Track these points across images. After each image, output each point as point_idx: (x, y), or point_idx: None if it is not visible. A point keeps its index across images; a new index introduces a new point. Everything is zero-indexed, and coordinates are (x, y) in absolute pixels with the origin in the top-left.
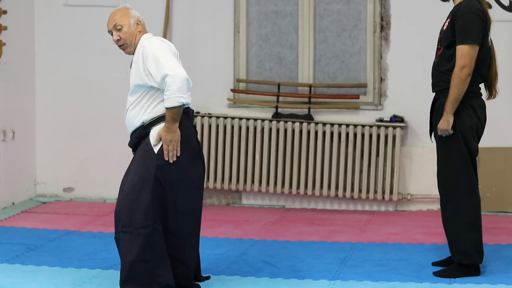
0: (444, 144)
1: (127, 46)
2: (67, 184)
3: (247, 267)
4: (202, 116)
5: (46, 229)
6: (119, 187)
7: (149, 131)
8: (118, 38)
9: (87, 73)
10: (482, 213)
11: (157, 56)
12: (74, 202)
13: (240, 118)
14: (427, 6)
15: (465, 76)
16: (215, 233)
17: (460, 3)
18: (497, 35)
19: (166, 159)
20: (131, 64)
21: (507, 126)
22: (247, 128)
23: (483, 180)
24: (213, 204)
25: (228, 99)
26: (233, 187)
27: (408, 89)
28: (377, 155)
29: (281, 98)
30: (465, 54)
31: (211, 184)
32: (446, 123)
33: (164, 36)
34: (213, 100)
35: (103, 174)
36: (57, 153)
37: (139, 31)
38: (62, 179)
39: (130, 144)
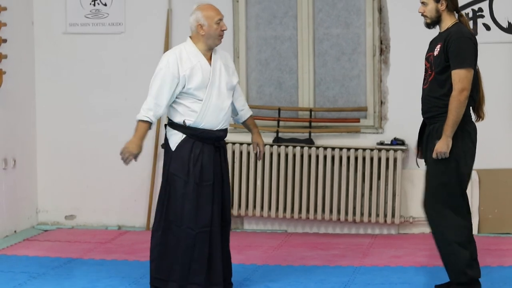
0: (438, 169)
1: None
2: (68, 212)
3: None
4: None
5: (48, 257)
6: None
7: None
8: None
9: (87, 101)
10: (484, 235)
11: None
12: (76, 230)
13: (241, 143)
14: (426, 29)
15: (464, 99)
16: None
17: (449, 28)
18: (496, 57)
19: None
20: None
21: (508, 147)
22: (248, 153)
23: (484, 202)
24: None
25: (229, 125)
26: (235, 212)
27: (409, 112)
28: (379, 178)
29: (281, 123)
30: (463, 78)
31: None
32: (445, 146)
33: None
34: None
35: (105, 201)
36: (58, 181)
37: None
38: (64, 207)
39: (220, 137)
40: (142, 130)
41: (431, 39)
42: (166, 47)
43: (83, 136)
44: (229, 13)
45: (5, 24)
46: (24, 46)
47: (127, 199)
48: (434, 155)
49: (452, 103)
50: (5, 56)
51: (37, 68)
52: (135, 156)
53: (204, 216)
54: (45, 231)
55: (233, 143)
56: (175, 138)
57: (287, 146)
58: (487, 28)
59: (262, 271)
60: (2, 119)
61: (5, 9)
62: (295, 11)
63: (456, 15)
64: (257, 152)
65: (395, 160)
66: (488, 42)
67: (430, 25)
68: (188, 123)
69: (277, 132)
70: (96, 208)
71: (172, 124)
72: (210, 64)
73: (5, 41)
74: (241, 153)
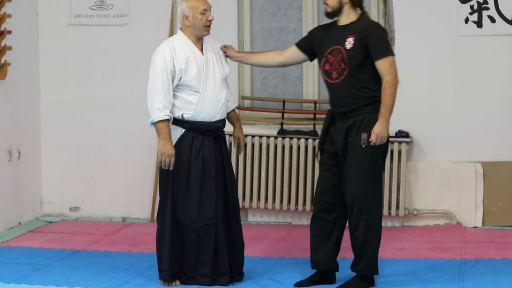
0: (369, 156)
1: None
2: (73, 204)
3: (254, 284)
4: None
5: (52, 248)
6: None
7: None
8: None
9: (92, 92)
10: (488, 227)
11: None
12: (80, 221)
13: (245, 135)
14: (430, 21)
15: (397, 84)
16: None
17: (355, 22)
18: (501, 49)
19: None
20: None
21: (511, 140)
22: (253, 145)
23: (489, 195)
24: None
25: None
26: (240, 204)
27: (413, 104)
28: (383, 170)
29: (286, 115)
30: (393, 64)
31: None
32: (386, 130)
33: None
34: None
35: (109, 193)
36: (63, 173)
37: None
38: (68, 199)
39: (219, 128)
40: (166, 130)
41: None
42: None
43: (87, 128)
44: (233, 4)
45: (9, 16)
46: (28, 38)
47: (131, 190)
48: (374, 140)
49: (388, 88)
50: (10, 48)
51: (42, 60)
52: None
53: (208, 209)
54: (50, 222)
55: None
56: (175, 133)
57: (291, 138)
58: (492, 20)
59: (266, 263)
60: (7, 110)
61: (9, 0)
62: (299, 2)
63: (359, 11)
64: (238, 147)
65: (399, 152)
66: (493, 34)
67: (330, 14)
68: (186, 116)
69: (282, 124)
70: (100, 200)
71: (173, 120)
72: (203, 54)
73: (9, 32)
74: (245, 145)
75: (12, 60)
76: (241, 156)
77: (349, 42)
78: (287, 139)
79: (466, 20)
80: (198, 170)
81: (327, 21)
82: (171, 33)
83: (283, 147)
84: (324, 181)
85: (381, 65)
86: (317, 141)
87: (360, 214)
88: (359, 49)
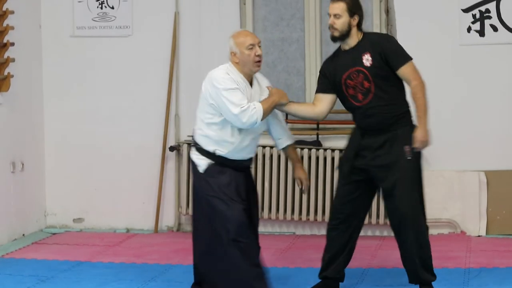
0: (412, 165)
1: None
2: (77, 215)
3: None
4: None
5: (56, 260)
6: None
7: None
8: (261, 53)
9: (95, 103)
10: (492, 235)
11: None
12: (84, 233)
13: None
14: (433, 30)
15: (425, 86)
16: None
17: (362, 40)
18: (503, 58)
19: None
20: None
21: None
22: (256, 155)
23: (492, 203)
24: None
25: None
26: None
27: (414, 114)
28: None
29: (289, 125)
30: (414, 67)
31: None
32: (427, 134)
33: (172, 65)
34: None
35: (113, 204)
36: (67, 184)
37: None
38: (72, 210)
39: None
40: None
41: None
42: (173, 50)
43: (91, 139)
44: (236, 15)
45: (12, 28)
46: (31, 50)
47: (135, 202)
48: (419, 145)
49: (418, 92)
50: (13, 60)
51: (45, 71)
52: None
53: (245, 229)
54: (54, 234)
55: None
56: (203, 163)
57: (294, 148)
58: (494, 29)
59: (270, 273)
60: (10, 122)
61: (12, 12)
62: (302, 13)
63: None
64: (301, 188)
65: None
66: (495, 43)
67: (337, 38)
68: (218, 153)
69: None
70: (104, 211)
71: (200, 150)
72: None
73: (13, 44)
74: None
75: (15, 72)
76: None
77: (367, 59)
78: None
79: (469, 29)
80: (233, 195)
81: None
82: (174, 44)
83: (286, 157)
84: (347, 193)
85: (405, 71)
86: (321, 151)
87: (413, 226)
88: (380, 63)
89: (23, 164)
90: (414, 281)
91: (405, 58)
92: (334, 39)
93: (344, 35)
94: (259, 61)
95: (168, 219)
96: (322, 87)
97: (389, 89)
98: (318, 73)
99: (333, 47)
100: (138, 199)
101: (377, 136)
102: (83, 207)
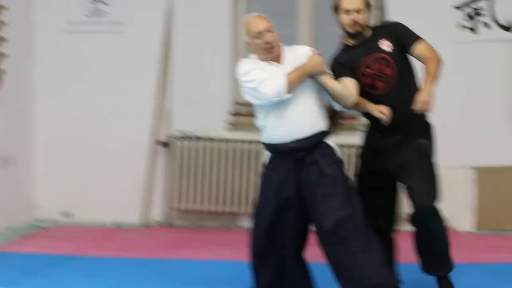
0: (429, 160)
1: (276, 50)
2: (65, 209)
3: None
4: (202, 140)
5: (44, 254)
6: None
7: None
8: (273, 39)
9: (86, 99)
10: (482, 231)
11: None
12: (72, 227)
13: (240, 142)
14: (426, 27)
15: (441, 61)
16: (214, 256)
17: (374, 29)
18: (495, 55)
19: None
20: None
21: (505, 145)
22: (248, 151)
23: (482, 199)
24: (213, 227)
25: (228, 123)
26: (235, 209)
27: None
28: None
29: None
30: (429, 45)
31: (210, 207)
32: (430, 96)
33: (164, 61)
34: (213, 124)
35: (102, 198)
36: (55, 178)
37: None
38: (60, 204)
39: (296, 150)
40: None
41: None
42: (166, 46)
43: (81, 133)
44: (229, 11)
45: (4, 23)
46: (23, 45)
47: (124, 196)
48: (420, 106)
49: (432, 62)
50: (5, 55)
51: (37, 67)
52: None
53: (277, 239)
54: (42, 227)
55: (232, 141)
56: (264, 158)
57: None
58: (488, 26)
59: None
60: (1, 117)
61: (4, 7)
62: (295, 9)
63: None
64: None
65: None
66: (488, 40)
67: (356, 34)
68: (264, 140)
69: None
70: (92, 205)
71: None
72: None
73: (4, 39)
74: (240, 151)
75: (7, 67)
76: (236, 162)
77: (387, 45)
78: None
79: (462, 27)
80: (273, 198)
81: (322, 27)
82: (166, 40)
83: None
84: (377, 207)
85: (421, 47)
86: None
87: (434, 216)
88: (399, 47)
89: (12, 158)
90: (432, 271)
91: (417, 36)
92: (354, 34)
93: (364, 29)
94: (271, 48)
95: (157, 213)
96: (343, 74)
97: (409, 77)
98: (332, 66)
99: (325, 44)
100: (127, 193)
101: (395, 132)
102: (71, 201)
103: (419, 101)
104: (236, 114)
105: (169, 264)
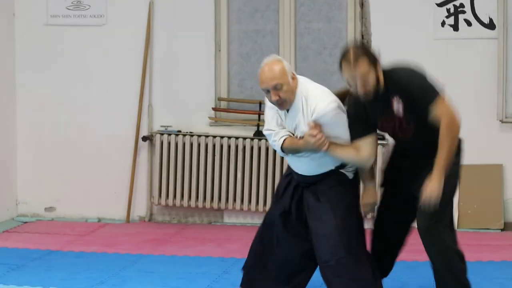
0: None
1: (286, 104)
2: (48, 204)
3: (229, 285)
4: (184, 135)
5: (27, 248)
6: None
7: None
8: (278, 98)
9: (68, 93)
10: (463, 230)
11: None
12: (55, 222)
13: (222, 137)
14: (407, 24)
15: (456, 128)
16: (196, 252)
17: (386, 77)
18: (477, 53)
19: None
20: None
21: (488, 143)
22: (229, 146)
23: (464, 197)
24: (195, 223)
25: (210, 118)
26: (215, 205)
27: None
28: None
29: (262, 117)
30: (444, 103)
31: (192, 203)
32: (439, 187)
33: (145, 55)
34: (195, 119)
35: (85, 194)
36: (38, 173)
37: (295, 84)
38: (44, 199)
39: (299, 181)
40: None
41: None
42: (148, 40)
43: (63, 128)
44: (211, 6)
45: None
46: (5, 38)
47: (107, 191)
48: (427, 198)
49: (446, 133)
50: None
51: (18, 60)
52: None
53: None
54: (25, 223)
55: (214, 136)
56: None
57: (267, 140)
58: (468, 24)
59: (241, 264)
60: None
61: None
62: (277, 5)
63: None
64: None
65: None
66: (469, 38)
67: (370, 95)
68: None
69: (258, 125)
70: (76, 201)
71: None
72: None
73: None
74: (221, 146)
75: None
76: (217, 158)
77: (398, 105)
78: (263, 141)
79: (443, 24)
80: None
81: (304, 23)
82: (148, 31)
83: (259, 148)
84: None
85: (433, 116)
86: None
87: (432, 237)
88: (411, 105)
89: None
90: None
91: (432, 95)
92: (367, 98)
93: (374, 88)
94: (278, 105)
95: (140, 209)
96: (357, 132)
97: (428, 120)
98: (349, 117)
99: (307, 40)
100: (110, 188)
101: (420, 158)
102: (54, 196)
103: (427, 191)
104: (218, 109)
105: (152, 259)
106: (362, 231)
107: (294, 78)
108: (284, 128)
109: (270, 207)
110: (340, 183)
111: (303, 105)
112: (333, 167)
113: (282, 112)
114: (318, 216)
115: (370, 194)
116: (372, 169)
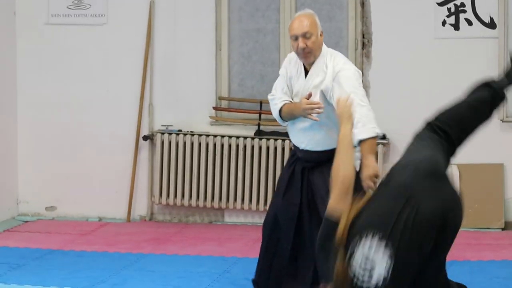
0: None
1: (311, 56)
2: (49, 203)
3: (230, 285)
4: (185, 134)
5: (28, 248)
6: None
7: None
8: (305, 46)
9: (69, 92)
10: (464, 229)
11: (352, 84)
12: (56, 221)
13: (222, 136)
14: (408, 23)
15: None
16: (197, 251)
17: None
18: (478, 52)
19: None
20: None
21: (489, 142)
22: (230, 145)
23: (465, 197)
24: (196, 222)
25: (210, 117)
26: (216, 205)
27: (390, 106)
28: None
29: (263, 116)
30: None
31: (193, 202)
32: None
33: (146, 54)
34: (195, 118)
35: (86, 193)
36: (39, 172)
37: (322, 41)
38: (45, 198)
39: (304, 161)
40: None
41: (413, 34)
42: (148, 39)
43: (64, 127)
44: (211, 5)
45: None
46: (5, 37)
47: (107, 190)
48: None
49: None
50: None
51: (19, 59)
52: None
53: (283, 233)
54: (26, 222)
55: (214, 136)
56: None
57: (268, 139)
58: (469, 23)
59: (242, 263)
60: None
61: None
62: (277, 4)
63: None
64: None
65: (376, 154)
66: (470, 37)
67: None
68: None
69: (259, 125)
70: (76, 200)
71: None
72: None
73: None
74: (222, 145)
75: None
76: (217, 157)
77: None
78: (264, 140)
79: (444, 23)
80: (281, 195)
81: None
82: (149, 30)
83: (260, 148)
84: None
85: None
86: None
87: None
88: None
89: None
90: None
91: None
92: None
93: None
94: (303, 53)
95: (141, 208)
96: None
97: None
98: None
99: None
100: (110, 188)
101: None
102: (55, 196)
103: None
104: (219, 108)
105: (153, 258)
106: None
107: (322, 35)
108: (286, 94)
109: (272, 204)
110: None
111: (328, 61)
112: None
113: (295, 76)
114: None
115: (371, 166)
116: (373, 140)
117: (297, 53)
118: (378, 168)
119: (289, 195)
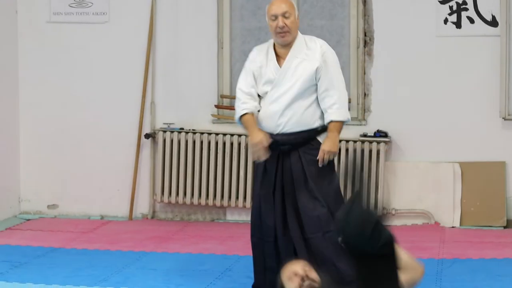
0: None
1: (289, 36)
2: (51, 201)
3: (232, 283)
4: (186, 132)
5: (30, 246)
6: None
7: (317, 137)
8: (284, 24)
9: (71, 90)
10: (466, 227)
11: (337, 67)
12: (58, 219)
13: (224, 134)
14: (410, 21)
15: None
16: (199, 249)
17: None
18: (480, 50)
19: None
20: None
21: (491, 140)
22: (231, 143)
23: (467, 195)
24: (198, 220)
25: (212, 115)
26: (218, 203)
27: (392, 104)
28: (361, 170)
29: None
30: None
31: (195, 200)
32: None
33: (148, 52)
34: (197, 116)
35: (87, 191)
36: (41, 170)
37: (298, 25)
38: (46, 196)
39: (281, 144)
40: (248, 123)
41: (414, 31)
42: (150, 37)
43: (66, 125)
44: (213, 3)
45: None
46: (7, 35)
47: (110, 188)
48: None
49: None
50: None
51: (21, 57)
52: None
53: (265, 226)
54: (28, 220)
55: (216, 134)
56: None
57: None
58: (471, 21)
59: (244, 261)
60: None
61: None
62: None
63: None
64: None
65: (378, 152)
66: (472, 35)
67: None
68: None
69: None
70: (78, 198)
71: None
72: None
73: None
74: (224, 143)
75: None
76: (219, 155)
77: None
78: None
79: (445, 21)
80: (259, 182)
81: (306, 20)
82: (151, 28)
83: None
84: None
85: None
86: None
87: None
88: None
89: None
90: None
91: None
92: None
93: None
94: (282, 32)
95: (143, 206)
96: None
97: None
98: None
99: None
100: (112, 186)
101: None
102: (57, 194)
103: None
104: (220, 106)
105: (155, 256)
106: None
107: (298, 19)
108: (251, 95)
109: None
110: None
111: (308, 41)
112: (315, 124)
113: (265, 64)
114: (308, 192)
115: (331, 141)
116: (342, 123)
117: (275, 32)
118: (336, 146)
119: (266, 181)
